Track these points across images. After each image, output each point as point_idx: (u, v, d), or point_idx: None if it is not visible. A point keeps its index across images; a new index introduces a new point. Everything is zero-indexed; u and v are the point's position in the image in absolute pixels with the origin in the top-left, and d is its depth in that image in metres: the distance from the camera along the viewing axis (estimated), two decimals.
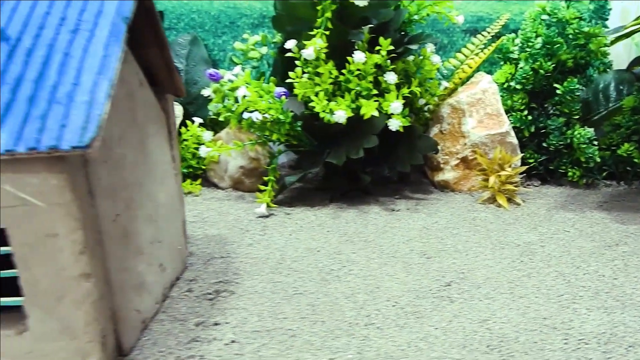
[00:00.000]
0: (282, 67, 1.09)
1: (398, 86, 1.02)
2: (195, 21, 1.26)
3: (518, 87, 1.12)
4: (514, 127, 1.12)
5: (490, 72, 1.24)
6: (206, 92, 1.06)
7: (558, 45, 1.07)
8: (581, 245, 0.84)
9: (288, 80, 0.99)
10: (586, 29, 1.06)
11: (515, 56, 1.14)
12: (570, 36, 1.07)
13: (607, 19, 1.08)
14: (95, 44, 0.50)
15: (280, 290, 0.71)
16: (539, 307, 0.66)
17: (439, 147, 1.10)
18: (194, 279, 0.74)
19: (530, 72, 1.10)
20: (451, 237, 0.87)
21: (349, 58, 0.96)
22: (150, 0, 0.63)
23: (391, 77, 0.98)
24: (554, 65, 1.09)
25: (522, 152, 1.12)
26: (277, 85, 1.03)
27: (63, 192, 0.46)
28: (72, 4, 0.53)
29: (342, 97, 0.99)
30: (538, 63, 1.09)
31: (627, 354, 0.57)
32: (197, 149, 1.13)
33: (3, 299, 0.49)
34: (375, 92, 0.98)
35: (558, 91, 1.10)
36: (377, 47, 0.97)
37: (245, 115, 1.02)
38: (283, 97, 1.00)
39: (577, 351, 0.57)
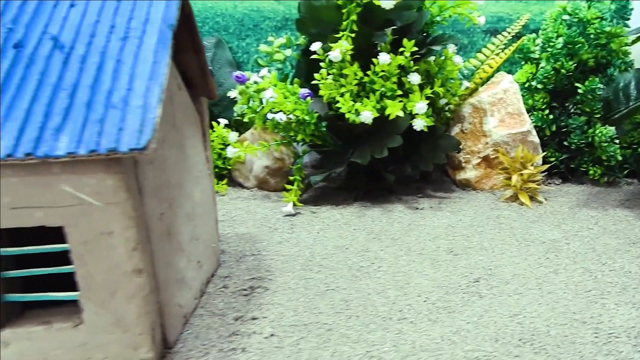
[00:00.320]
0: (305, 68, 1.11)
1: (421, 87, 1.04)
2: (220, 24, 1.29)
3: (539, 86, 1.14)
4: (535, 126, 1.13)
5: (510, 72, 1.25)
6: (232, 93, 1.09)
7: (579, 45, 1.09)
8: (606, 243, 0.85)
9: (313, 82, 1.02)
10: (607, 29, 1.07)
11: (536, 56, 1.16)
12: (592, 36, 1.08)
13: (628, 19, 1.09)
14: (144, 51, 0.52)
15: (312, 287, 0.73)
16: (567, 302, 0.67)
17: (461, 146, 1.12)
18: (228, 276, 0.76)
19: (552, 72, 1.11)
20: (476, 235, 0.89)
21: (374, 60, 0.98)
22: (189, 6, 0.65)
23: (415, 78, 1.00)
24: (575, 64, 1.10)
25: (543, 151, 1.13)
26: (300, 87, 1.06)
27: (118, 192, 0.48)
28: (119, 12, 0.56)
29: (367, 97, 1.01)
30: (559, 63, 1.10)
31: None
32: (222, 149, 1.16)
33: (60, 294, 0.52)
34: (399, 92, 1.00)
35: (579, 90, 1.11)
36: (401, 49, 0.99)
37: (269, 116, 1.04)
38: (308, 98, 1.02)
39: (608, 344, 0.58)
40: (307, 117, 1.02)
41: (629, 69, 1.12)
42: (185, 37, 0.68)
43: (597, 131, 1.11)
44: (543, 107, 1.15)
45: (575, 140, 1.13)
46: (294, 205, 1.01)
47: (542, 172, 1.10)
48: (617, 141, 1.11)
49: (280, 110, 1.02)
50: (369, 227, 0.93)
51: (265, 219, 0.98)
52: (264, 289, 0.72)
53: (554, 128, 1.15)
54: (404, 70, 1.02)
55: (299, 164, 1.06)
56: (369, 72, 0.99)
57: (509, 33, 1.23)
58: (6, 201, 0.48)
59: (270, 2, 1.29)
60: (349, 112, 0.98)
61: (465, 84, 1.16)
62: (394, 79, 0.99)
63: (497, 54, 1.21)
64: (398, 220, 0.96)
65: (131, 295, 0.51)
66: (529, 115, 1.13)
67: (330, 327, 0.63)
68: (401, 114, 0.97)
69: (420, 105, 0.97)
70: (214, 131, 1.17)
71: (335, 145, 1.08)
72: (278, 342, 0.60)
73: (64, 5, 0.56)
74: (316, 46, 1.01)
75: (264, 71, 1.08)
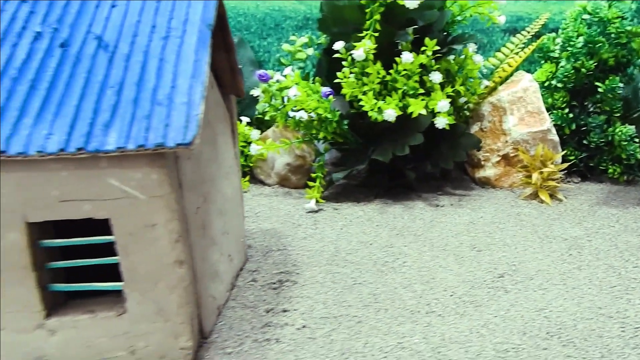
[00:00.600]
0: (326, 67, 1.12)
1: (442, 85, 1.05)
2: (242, 24, 1.31)
3: (559, 85, 1.14)
4: (555, 125, 1.14)
5: (529, 71, 1.26)
6: (255, 92, 1.11)
7: (600, 44, 1.09)
8: (628, 240, 0.86)
9: (336, 81, 1.03)
10: (629, 28, 1.08)
11: (556, 55, 1.16)
12: (613, 35, 1.09)
13: None
14: (186, 50, 0.54)
15: (340, 281, 0.74)
16: (592, 297, 0.68)
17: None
18: (256, 270, 0.78)
19: (572, 71, 1.12)
20: (498, 232, 0.90)
21: (397, 59, 0.99)
22: (223, 7, 0.67)
23: (436, 77, 1.02)
24: (595, 64, 1.11)
25: (562, 149, 1.14)
26: (322, 85, 1.07)
27: (162, 186, 0.50)
28: (160, 12, 0.58)
29: (389, 96, 1.02)
30: (580, 62, 1.11)
31: None
32: (244, 147, 1.17)
33: (105, 284, 0.54)
34: (421, 91, 1.01)
35: (599, 89, 1.11)
36: (423, 48, 1.00)
37: (291, 114, 1.06)
38: (330, 96, 1.03)
39: (635, 338, 0.59)
40: (329, 115, 1.03)
41: None
42: (219, 36, 0.70)
43: (617, 130, 1.12)
44: (563, 105, 1.15)
45: (595, 139, 1.14)
46: (317, 201, 1.03)
47: (562, 170, 1.11)
48: (636, 140, 1.12)
49: (302, 109, 1.04)
50: (392, 224, 0.94)
51: (288, 215, 1.00)
52: (293, 283, 0.74)
53: (573, 127, 1.15)
54: (425, 69, 1.03)
55: (320, 162, 1.07)
56: (391, 71, 1.01)
57: (528, 32, 1.24)
58: (55, 194, 0.50)
59: (291, 1, 1.30)
60: (372, 110, 0.99)
61: (485, 82, 1.17)
62: (416, 78, 1.00)
63: (517, 53, 1.22)
64: (420, 217, 0.97)
65: (173, 286, 0.53)
66: (549, 114, 1.13)
67: (360, 320, 0.64)
68: (424, 112, 0.98)
69: (442, 104, 0.98)
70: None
71: (356, 143, 1.10)
72: (310, 333, 0.62)
73: (105, 6, 0.58)
74: (339, 45, 1.03)
75: (288, 70, 1.10)
